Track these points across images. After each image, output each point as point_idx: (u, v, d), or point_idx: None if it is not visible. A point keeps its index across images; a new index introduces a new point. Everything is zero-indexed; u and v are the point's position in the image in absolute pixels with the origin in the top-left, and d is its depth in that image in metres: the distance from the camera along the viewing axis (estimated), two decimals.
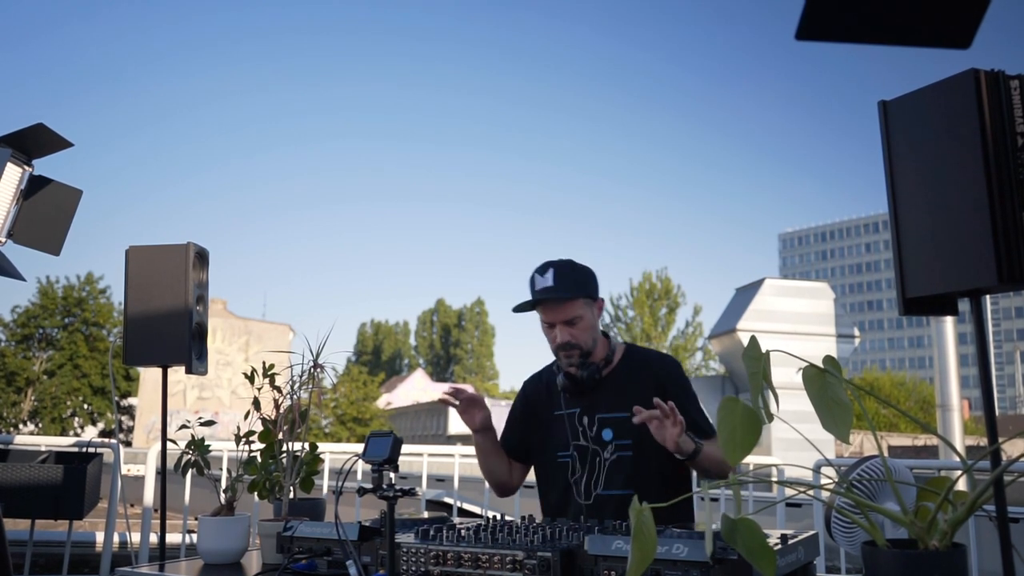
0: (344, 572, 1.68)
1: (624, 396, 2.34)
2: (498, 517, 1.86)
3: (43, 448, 4.58)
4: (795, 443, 11.49)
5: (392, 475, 1.64)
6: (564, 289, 2.32)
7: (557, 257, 2.42)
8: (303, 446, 2.16)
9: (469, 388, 2.48)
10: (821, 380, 1.16)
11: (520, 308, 2.40)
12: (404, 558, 1.64)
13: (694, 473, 2.43)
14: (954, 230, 1.46)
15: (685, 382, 2.43)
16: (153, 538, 4.60)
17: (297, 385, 2.16)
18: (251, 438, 2.19)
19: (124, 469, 4.41)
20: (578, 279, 2.36)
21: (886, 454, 1.33)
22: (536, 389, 2.57)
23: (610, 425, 2.35)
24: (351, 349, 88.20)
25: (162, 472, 3.24)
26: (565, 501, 2.41)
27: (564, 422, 2.43)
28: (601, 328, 2.47)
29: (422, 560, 1.62)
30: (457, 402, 2.38)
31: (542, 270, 2.36)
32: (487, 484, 2.60)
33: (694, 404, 2.38)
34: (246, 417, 2.18)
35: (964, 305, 1.64)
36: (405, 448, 2.41)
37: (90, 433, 31.38)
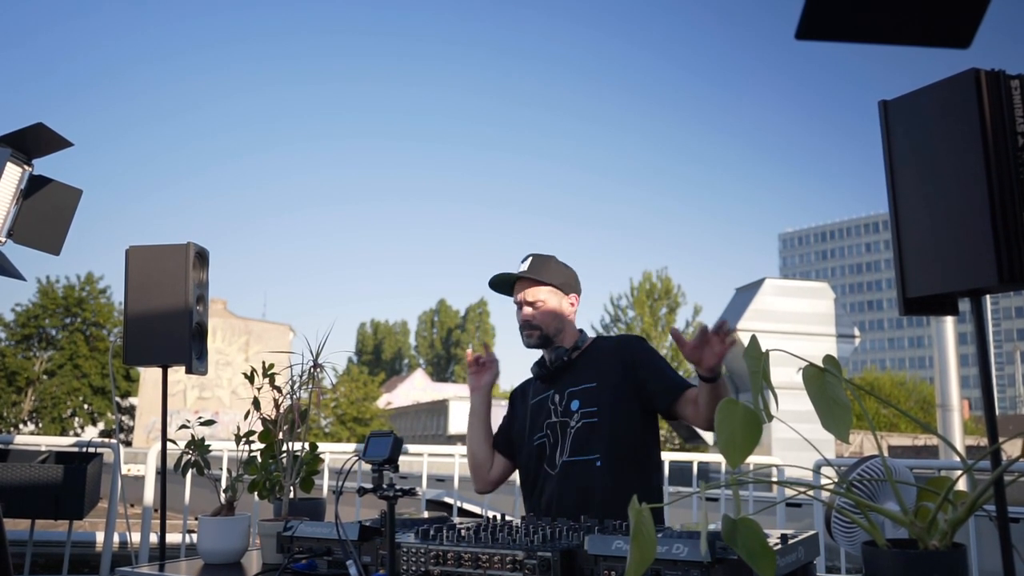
0: (344, 572, 1.68)
1: (591, 371, 2.48)
2: (498, 517, 1.86)
3: (43, 448, 4.57)
4: (795, 443, 11.48)
5: (392, 475, 1.64)
6: (533, 273, 2.54)
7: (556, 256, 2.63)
8: (303, 446, 2.16)
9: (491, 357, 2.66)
10: (821, 379, 1.16)
11: (496, 287, 2.62)
12: (404, 558, 1.64)
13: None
14: (954, 230, 1.46)
15: (650, 351, 2.54)
16: (153, 538, 4.60)
17: (297, 385, 2.16)
18: (251, 438, 2.19)
19: (124, 469, 4.41)
20: (551, 269, 2.57)
21: (886, 454, 1.33)
22: (521, 388, 2.72)
23: (577, 396, 2.46)
24: (351, 349, 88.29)
25: (162, 472, 3.24)
26: (536, 478, 2.50)
27: (539, 407, 2.55)
28: (579, 327, 2.62)
29: (422, 560, 1.62)
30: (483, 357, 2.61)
31: (524, 259, 2.58)
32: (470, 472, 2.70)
33: (667, 366, 2.49)
34: (246, 417, 2.18)
35: (964, 305, 1.64)
36: (405, 448, 2.41)
37: (90, 433, 31.37)
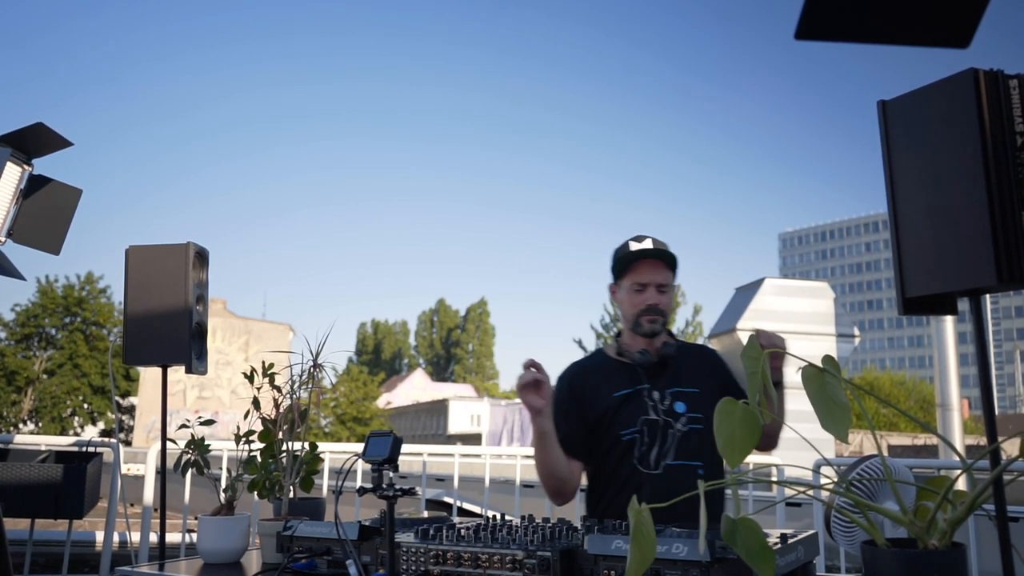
0: (344, 572, 1.68)
1: (689, 375, 2.38)
2: (498, 517, 1.86)
3: (43, 447, 4.58)
4: (795, 443, 11.46)
5: (392, 475, 1.64)
6: (668, 254, 2.37)
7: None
8: (303, 446, 2.16)
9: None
10: (820, 380, 1.16)
11: (625, 260, 2.37)
12: (404, 557, 1.64)
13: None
14: (954, 230, 1.46)
15: (726, 364, 2.53)
16: (153, 537, 4.60)
17: (297, 385, 2.16)
18: (251, 438, 2.19)
19: (124, 468, 4.41)
20: (673, 256, 2.41)
21: (886, 453, 1.33)
22: (583, 377, 2.46)
23: (684, 399, 2.35)
24: (351, 349, 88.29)
25: (162, 472, 3.24)
26: (617, 472, 2.33)
27: (629, 400, 2.36)
28: None
29: (422, 559, 1.62)
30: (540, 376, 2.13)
31: (638, 239, 2.40)
32: (545, 490, 2.38)
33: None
34: (246, 417, 2.18)
35: (964, 304, 1.64)
36: (405, 448, 2.40)
37: (90, 432, 31.35)
